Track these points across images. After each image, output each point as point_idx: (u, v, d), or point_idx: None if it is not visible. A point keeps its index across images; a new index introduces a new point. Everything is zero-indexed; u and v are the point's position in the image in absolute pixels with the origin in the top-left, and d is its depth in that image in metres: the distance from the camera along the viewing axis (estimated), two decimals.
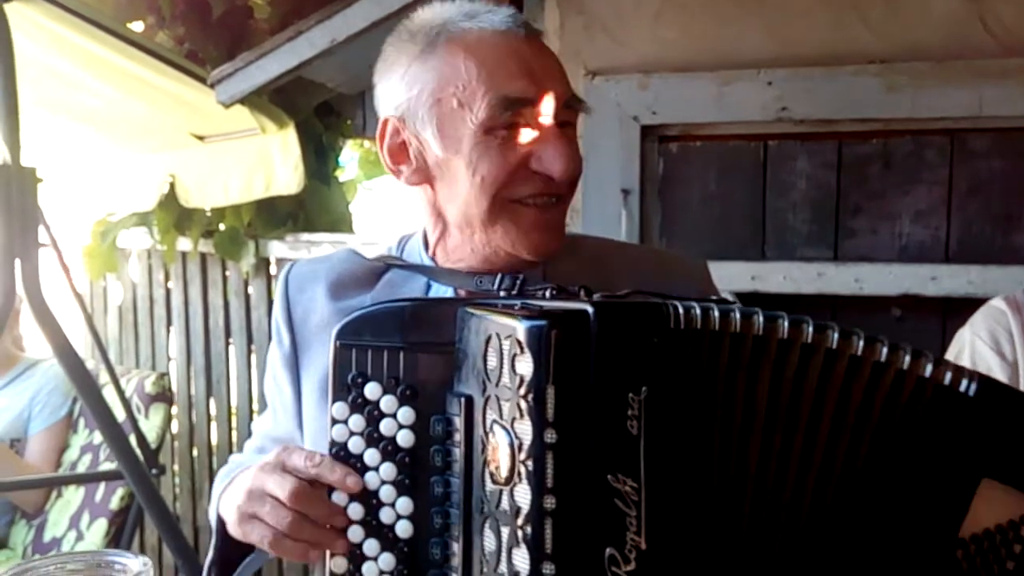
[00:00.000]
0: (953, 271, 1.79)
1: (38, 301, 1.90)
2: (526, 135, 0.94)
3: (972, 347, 1.19)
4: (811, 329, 0.78)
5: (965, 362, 1.20)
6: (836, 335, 0.78)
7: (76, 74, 2.59)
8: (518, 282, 0.95)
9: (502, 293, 0.96)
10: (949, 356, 1.24)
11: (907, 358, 0.79)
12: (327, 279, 1.05)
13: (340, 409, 0.84)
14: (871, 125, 1.86)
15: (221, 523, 0.97)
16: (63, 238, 2.24)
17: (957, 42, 1.76)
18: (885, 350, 0.79)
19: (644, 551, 0.73)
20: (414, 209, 1.06)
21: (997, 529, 0.81)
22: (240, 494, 0.88)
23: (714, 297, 0.90)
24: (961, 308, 1.67)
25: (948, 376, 0.80)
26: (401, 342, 0.84)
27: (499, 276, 0.97)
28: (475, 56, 0.93)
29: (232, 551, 0.98)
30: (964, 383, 0.80)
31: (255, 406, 3.00)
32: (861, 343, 0.79)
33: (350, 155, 3.23)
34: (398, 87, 0.98)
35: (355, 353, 0.84)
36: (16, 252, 1.87)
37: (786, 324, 0.78)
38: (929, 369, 0.79)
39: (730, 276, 1.89)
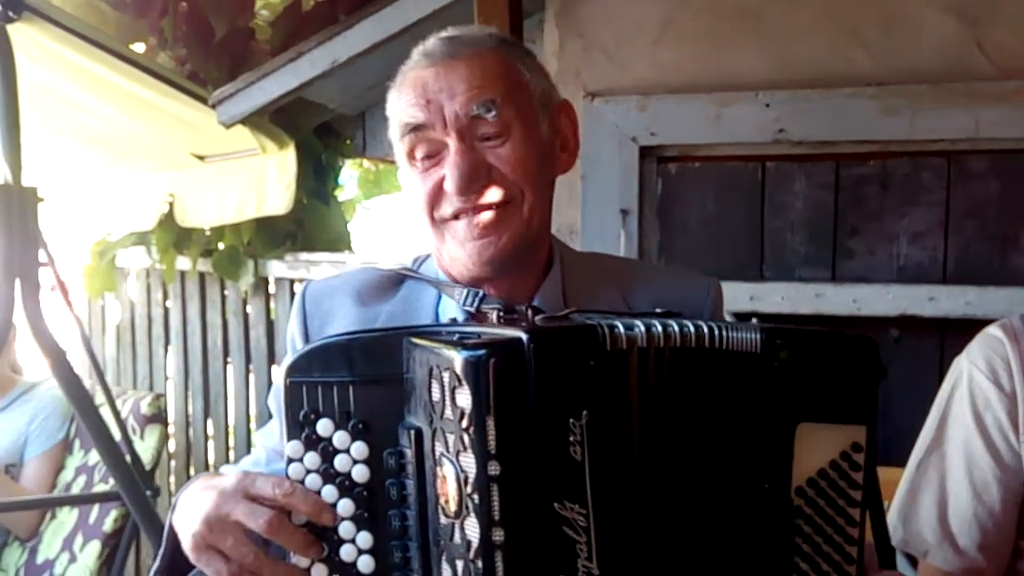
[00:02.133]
0: (951, 292, 1.79)
1: (37, 320, 1.90)
2: (438, 158, 0.97)
3: (970, 377, 1.17)
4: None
5: (963, 392, 1.17)
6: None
7: (78, 94, 2.60)
8: (477, 299, 0.97)
9: (465, 310, 0.98)
10: (946, 385, 1.22)
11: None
12: (348, 289, 1.06)
13: (295, 447, 0.83)
14: (869, 147, 1.87)
15: (173, 534, 0.92)
16: (62, 258, 2.24)
17: (954, 65, 1.78)
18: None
19: None
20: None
21: (830, 466, 0.82)
22: (197, 520, 0.84)
23: (661, 311, 0.89)
24: (959, 329, 1.67)
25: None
26: (351, 376, 0.83)
27: (465, 290, 0.99)
28: (395, 92, 1.01)
29: (183, 561, 0.92)
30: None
31: (253, 425, 2.99)
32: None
33: (349, 175, 3.24)
34: None
35: (306, 390, 0.83)
36: (16, 272, 1.87)
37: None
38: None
39: (728, 296, 1.86)
